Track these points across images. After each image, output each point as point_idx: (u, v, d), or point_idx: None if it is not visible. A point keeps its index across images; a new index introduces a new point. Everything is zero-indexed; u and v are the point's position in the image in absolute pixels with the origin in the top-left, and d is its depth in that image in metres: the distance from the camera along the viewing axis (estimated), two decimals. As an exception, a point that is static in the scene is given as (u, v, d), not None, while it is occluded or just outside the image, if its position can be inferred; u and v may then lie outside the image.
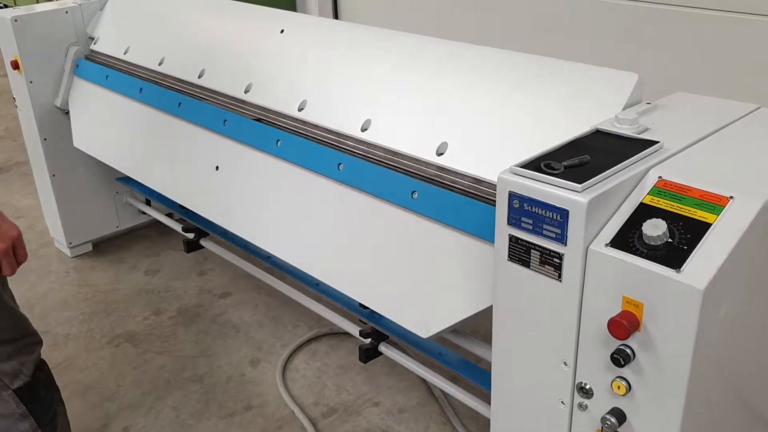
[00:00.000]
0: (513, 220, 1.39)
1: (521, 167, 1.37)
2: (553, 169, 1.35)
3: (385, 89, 2.12)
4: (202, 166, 2.55)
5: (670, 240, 1.24)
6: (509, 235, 1.40)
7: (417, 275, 1.86)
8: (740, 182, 1.31)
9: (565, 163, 1.36)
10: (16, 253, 1.67)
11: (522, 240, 1.38)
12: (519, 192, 1.36)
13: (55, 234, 3.55)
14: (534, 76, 1.85)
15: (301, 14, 2.50)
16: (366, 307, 2.36)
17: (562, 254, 1.32)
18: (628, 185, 1.35)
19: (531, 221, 1.35)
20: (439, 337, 2.21)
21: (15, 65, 3.17)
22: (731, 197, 1.27)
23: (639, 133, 1.51)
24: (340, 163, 2.06)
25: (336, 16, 5.16)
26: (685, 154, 1.43)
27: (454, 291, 1.78)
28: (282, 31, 2.50)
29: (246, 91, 2.48)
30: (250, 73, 2.50)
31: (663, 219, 1.27)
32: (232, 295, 3.17)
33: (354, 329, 2.44)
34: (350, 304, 2.43)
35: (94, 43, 3.24)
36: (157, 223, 3.49)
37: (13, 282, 3.32)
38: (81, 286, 3.28)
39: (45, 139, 3.28)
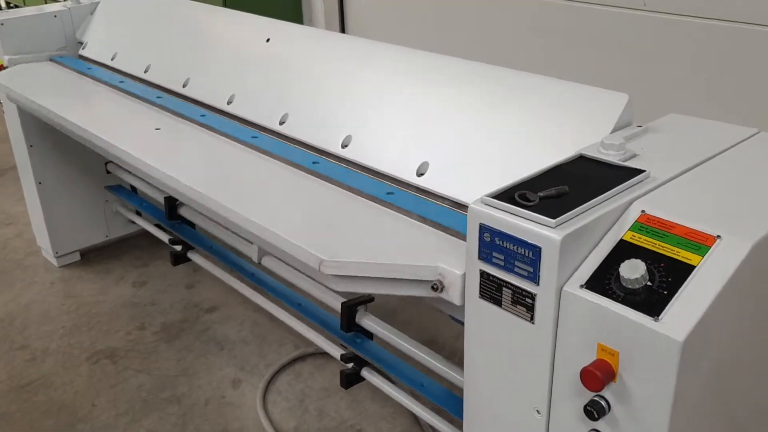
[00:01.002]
0: (484, 255, 1.28)
1: (493, 197, 1.27)
2: (528, 200, 1.25)
3: (368, 104, 2.02)
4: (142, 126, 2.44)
5: (649, 283, 1.13)
6: (480, 270, 1.30)
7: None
8: (730, 219, 1.20)
9: (540, 194, 1.26)
10: None
11: (493, 276, 1.28)
12: (490, 224, 1.25)
13: (42, 243, 3.47)
14: (522, 93, 1.74)
15: (288, 23, 2.41)
16: (348, 330, 2.26)
17: (535, 294, 1.22)
18: (607, 220, 1.24)
19: (502, 257, 1.25)
20: (423, 366, 2.11)
21: (1, 69, 3.10)
22: (718, 236, 1.15)
23: (625, 160, 1.40)
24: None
25: (343, 29, 5.08)
26: (672, 185, 1.32)
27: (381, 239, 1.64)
28: (268, 40, 2.41)
29: (228, 102, 2.39)
30: (234, 84, 2.41)
31: (643, 259, 1.16)
32: (218, 310, 3.07)
33: (336, 352, 2.34)
34: (330, 326, 2.34)
35: (83, 48, 3.17)
36: (148, 232, 3.40)
37: (-3, 291, 3.28)
38: (65, 298, 3.20)
39: (31, 146, 3.21)
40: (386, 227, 1.68)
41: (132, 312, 3.10)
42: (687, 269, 1.13)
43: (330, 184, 1.89)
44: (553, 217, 1.17)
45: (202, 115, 2.40)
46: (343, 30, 5.11)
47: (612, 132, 1.53)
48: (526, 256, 1.21)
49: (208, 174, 2.04)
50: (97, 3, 3.24)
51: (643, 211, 1.24)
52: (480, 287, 1.31)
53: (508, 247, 1.23)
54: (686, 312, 1.08)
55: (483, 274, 1.29)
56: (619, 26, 3.22)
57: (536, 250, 1.19)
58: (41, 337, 2.95)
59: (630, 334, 1.11)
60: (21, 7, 6.36)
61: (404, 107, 1.92)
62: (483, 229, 1.26)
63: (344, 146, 1.98)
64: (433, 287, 1.42)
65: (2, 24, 3.02)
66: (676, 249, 1.16)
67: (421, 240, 1.59)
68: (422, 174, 1.78)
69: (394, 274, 1.48)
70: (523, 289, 1.23)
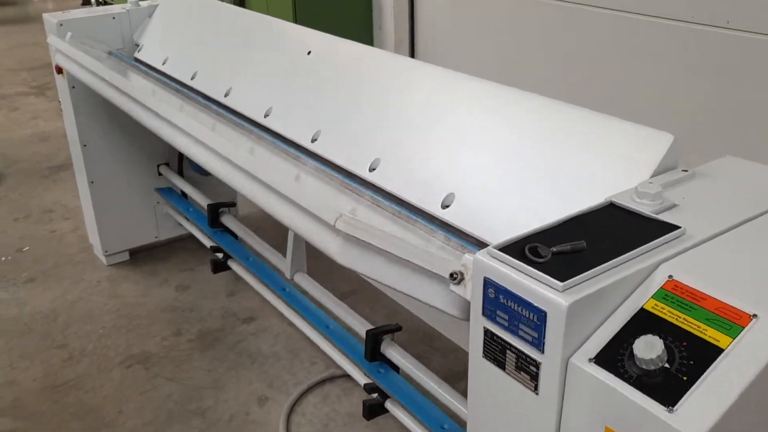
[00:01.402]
0: (488, 312, 1.15)
1: (500, 250, 1.14)
2: (539, 255, 1.11)
3: (400, 127, 1.90)
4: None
5: (667, 365, 0.98)
6: (484, 327, 1.17)
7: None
8: (771, 295, 1.03)
9: (554, 249, 1.12)
10: None
11: (497, 337, 1.15)
12: (494, 280, 1.12)
13: (93, 240, 3.51)
14: (561, 127, 1.58)
15: (333, 37, 2.31)
16: (373, 359, 2.16)
17: (539, 363, 1.08)
18: (627, 284, 1.09)
19: (507, 317, 1.12)
20: (445, 407, 1.99)
21: (59, 69, 3.14)
22: (754, 315, 0.99)
23: (660, 212, 1.25)
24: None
25: (412, 44, 5.00)
26: (710, 247, 1.16)
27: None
28: (309, 53, 2.32)
29: (266, 116, 2.32)
30: (272, 96, 2.34)
31: (665, 334, 1.01)
32: (255, 321, 3.02)
33: (363, 378, 2.25)
34: (356, 352, 2.24)
35: (138, 51, 3.17)
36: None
37: (45, 287, 3.32)
38: (109, 298, 3.22)
39: (85, 146, 3.24)
40: (409, 234, 1.61)
41: (171, 316, 3.08)
42: (714, 352, 0.98)
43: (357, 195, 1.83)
44: (562, 279, 1.04)
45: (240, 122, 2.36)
46: (412, 43, 5.02)
47: (653, 176, 1.37)
48: (530, 320, 1.07)
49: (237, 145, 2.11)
50: (156, 6, 3.24)
51: (670, 276, 1.09)
52: (484, 346, 1.18)
53: (512, 307, 1.10)
54: (707, 405, 0.92)
55: (487, 333, 1.17)
56: (701, 44, 3.01)
57: (541, 315, 1.05)
58: (80, 337, 2.97)
59: (640, 422, 0.96)
60: (112, 4, 6.54)
61: (437, 134, 1.80)
62: (487, 283, 1.14)
63: (372, 170, 1.87)
64: (452, 275, 1.26)
65: (61, 25, 3.05)
66: (703, 326, 1.01)
67: (444, 249, 1.53)
68: (447, 206, 1.66)
69: (411, 256, 1.39)
70: (527, 355, 1.10)
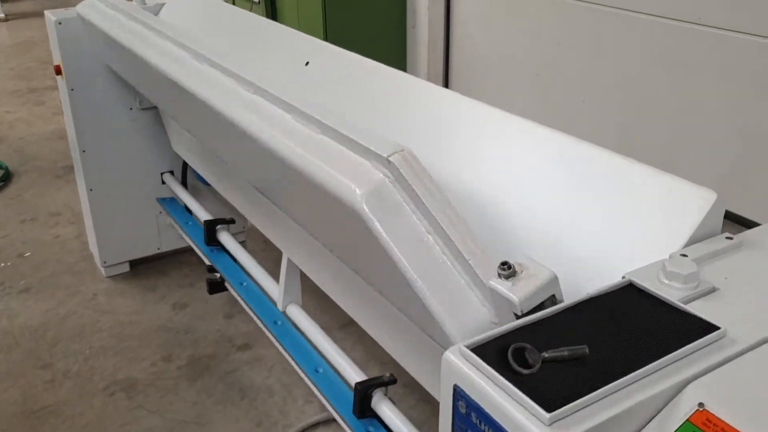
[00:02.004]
0: (459, 430, 0.89)
1: (474, 350, 0.87)
2: (525, 363, 0.84)
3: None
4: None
5: None
6: (454, 446, 0.90)
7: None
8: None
9: (546, 355, 0.85)
10: None
11: (468, 462, 0.88)
12: (466, 391, 0.86)
13: (94, 249, 3.33)
14: (578, 174, 1.29)
15: (336, 48, 2.05)
16: (362, 416, 1.91)
17: None
18: (641, 413, 0.81)
19: (480, 441, 0.85)
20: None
21: (57, 70, 2.95)
22: (818, 483, 0.71)
23: (693, 299, 0.96)
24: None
25: (447, 56, 4.77)
26: (759, 359, 0.87)
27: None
28: (307, 64, 2.08)
29: (257, 131, 2.07)
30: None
31: (688, 495, 0.73)
32: (251, 349, 2.79)
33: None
34: (345, 401, 1.99)
35: (141, 53, 2.96)
36: (198, 249, 3.18)
37: (39, 298, 3.15)
38: (102, 314, 3.03)
39: (84, 151, 3.05)
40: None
41: (164, 338, 2.87)
42: None
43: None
44: (550, 408, 0.76)
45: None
46: (447, 44, 4.77)
47: (688, 244, 1.08)
48: (508, 454, 0.80)
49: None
50: (162, 4, 3.02)
51: (701, 404, 0.80)
52: (454, 469, 0.91)
53: None
54: None
55: (457, 454, 0.90)
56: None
57: (521, 452, 0.78)
58: (67, 356, 2.77)
59: None
60: None
61: (436, 167, 1.53)
62: (458, 394, 0.87)
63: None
64: (503, 264, 1.00)
65: (60, 23, 2.85)
66: (743, 489, 0.73)
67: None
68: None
69: (454, 231, 1.12)
70: (503, 497, 0.83)
